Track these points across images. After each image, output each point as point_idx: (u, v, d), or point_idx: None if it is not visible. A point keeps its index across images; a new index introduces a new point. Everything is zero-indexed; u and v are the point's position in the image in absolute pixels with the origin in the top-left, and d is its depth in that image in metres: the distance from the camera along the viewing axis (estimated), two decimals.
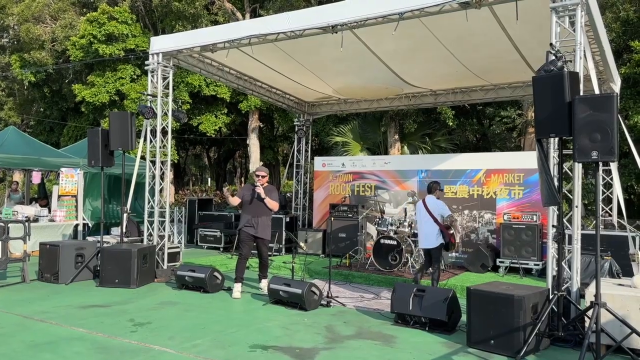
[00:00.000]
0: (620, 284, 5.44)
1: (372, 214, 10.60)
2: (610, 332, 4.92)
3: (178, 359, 4.72)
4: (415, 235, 9.25)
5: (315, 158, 13.21)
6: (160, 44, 9.14)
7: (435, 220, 7.42)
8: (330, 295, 7.06)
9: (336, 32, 7.55)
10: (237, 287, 7.45)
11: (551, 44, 5.63)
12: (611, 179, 9.35)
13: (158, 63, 9.08)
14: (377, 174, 11.66)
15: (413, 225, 9.40)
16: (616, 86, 9.39)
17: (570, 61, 5.76)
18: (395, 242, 9.02)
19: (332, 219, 8.62)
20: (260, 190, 7.40)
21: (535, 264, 9.34)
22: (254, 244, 7.58)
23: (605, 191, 9.83)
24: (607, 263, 7.55)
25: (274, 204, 7.51)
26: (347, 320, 6.24)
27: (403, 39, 7.87)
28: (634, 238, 8.19)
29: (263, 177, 7.57)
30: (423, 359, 4.87)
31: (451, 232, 7.70)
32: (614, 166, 7.55)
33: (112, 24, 17.32)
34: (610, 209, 9.54)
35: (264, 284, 7.68)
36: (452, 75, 10.30)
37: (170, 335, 5.45)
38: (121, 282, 7.92)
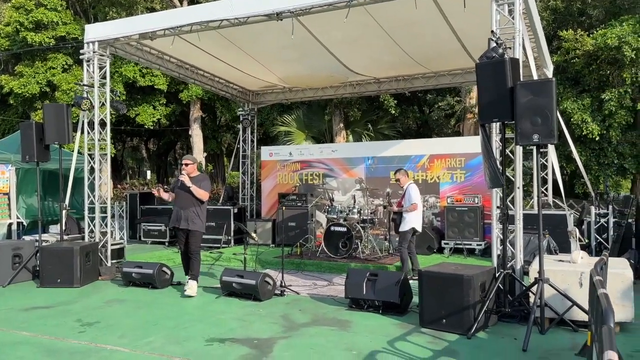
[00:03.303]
0: (560, 260, 5.74)
1: (322, 202, 10.66)
2: (553, 306, 5.21)
3: (132, 358, 4.58)
4: (364, 221, 9.40)
5: (262, 148, 13.10)
6: (96, 31, 8.72)
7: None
8: (283, 284, 7.05)
9: (281, 20, 7.47)
10: (190, 283, 7.11)
11: (492, 32, 5.83)
12: (546, 160, 9.86)
13: (94, 52, 8.67)
14: (324, 162, 11.73)
15: (362, 211, 9.54)
16: (549, 72, 9.85)
17: (510, 48, 5.97)
18: (345, 229, 9.12)
19: (284, 208, 8.59)
20: (184, 178, 6.94)
21: (477, 244, 9.74)
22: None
23: (541, 172, 10.32)
24: (546, 241, 7.96)
25: (202, 193, 7.00)
26: (302, 308, 6.26)
27: (348, 27, 7.90)
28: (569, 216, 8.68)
29: (187, 165, 7.09)
30: (379, 341, 4.96)
31: None
32: (552, 148, 7.94)
33: (41, 11, 16.34)
34: (546, 190, 10.04)
35: (190, 285, 6.94)
36: (395, 63, 10.47)
37: (121, 333, 5.27)
38: (63, 281, 7.57)
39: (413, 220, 7.67)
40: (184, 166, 7.12)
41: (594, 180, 12.29)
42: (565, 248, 7.99)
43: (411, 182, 7.95)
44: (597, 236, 8.70)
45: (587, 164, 12.36)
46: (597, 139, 11.92)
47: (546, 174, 9.95)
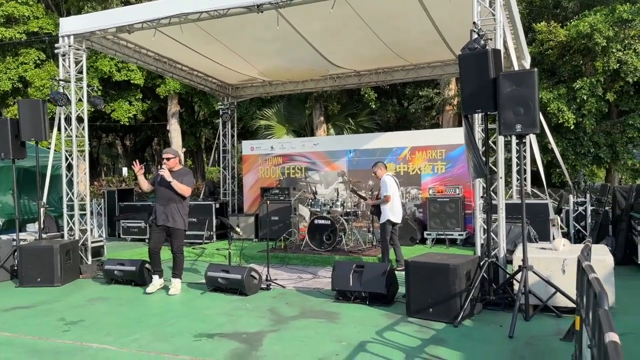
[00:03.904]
0: (542, 248, 5.85)
1: (305, 195, 10.65)
2: (536, 293, 5.30)
3: (120, 356, 4.51)
4: (347, 214, 9.43)
5: (243, 142, 13.01)
6: (71, 25, 8.53)
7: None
8: (269, 278, 7.03)
9: (262, 12, 7.40)
10: (154, 280, 6.91)
11: (474, 23, 5.87)
12: (524, 151, 10.01)
13: (70, 46, 8.48)
14: (306, 156, 11.71)
15: (345, 204, 9.56)
16: (527, 63, 10.00)
17: (491, 39, 6.03)
18: (329, 222, 9.13)
19: (269, 202, 8.54)
20: (164, 172, 6.60)
21: (459, 234, 9.85)
22: (167, 236, 6.84)
23: (520, 163, 10.49)
24: (526, 229, 8.09)
25: (183, 188, 6.67)
26: (289, 301, 6.25)
27: (328, 19, 7.86)
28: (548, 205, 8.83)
29: (168, 159, 6.75)
30: (368, 332, 4.99)
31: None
32: (533, 138, 8.05)
33: (11, 5, 15.89)
34: (525, 179, 10.20)
35: (174, 284, 6.80)
36: (375, 56, 10.47)
37: (107, 331, 5.19)
38: (44, 280, 7.42)
39: (388, 213, 7.67)
40: (164, 160, 6.79)
41: (571, 170, 12.53)
42: (544, 236, 8.15)
43: (387, 174, 7.85)
44: (576, 224, 8.88)
45: (563, 153, 12.58)
46: (572, 127, 12.13)
47: (525, 164, 10.11)
